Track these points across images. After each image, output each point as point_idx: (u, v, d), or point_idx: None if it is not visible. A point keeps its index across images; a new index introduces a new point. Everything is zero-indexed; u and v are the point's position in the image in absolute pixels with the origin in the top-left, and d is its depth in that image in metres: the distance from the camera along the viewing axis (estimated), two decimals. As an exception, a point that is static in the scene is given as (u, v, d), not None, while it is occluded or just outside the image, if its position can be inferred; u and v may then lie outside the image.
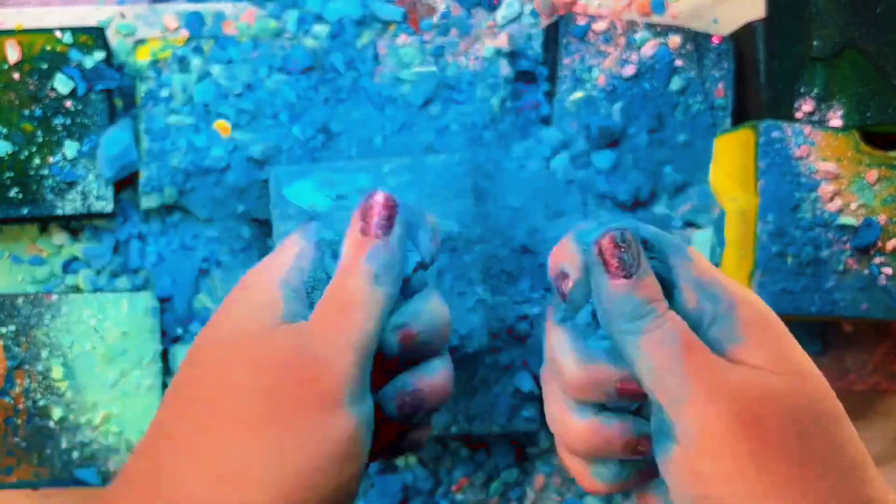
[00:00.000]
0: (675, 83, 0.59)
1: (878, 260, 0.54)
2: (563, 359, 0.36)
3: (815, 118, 0.56)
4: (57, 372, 0.52)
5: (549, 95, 0.59)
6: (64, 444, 0.52)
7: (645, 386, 0.34)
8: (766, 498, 0.31)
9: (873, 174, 0.54)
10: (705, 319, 0.36)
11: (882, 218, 0.54)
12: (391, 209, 0.38)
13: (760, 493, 0.31)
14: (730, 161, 0.57)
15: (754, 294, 0.36)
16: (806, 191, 0.54)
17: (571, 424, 0.37)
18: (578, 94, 0.58)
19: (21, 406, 0.52)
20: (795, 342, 0.35)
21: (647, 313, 0.35)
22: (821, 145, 0.54)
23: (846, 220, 0.54)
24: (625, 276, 0.35)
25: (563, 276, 0.37)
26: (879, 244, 0.54)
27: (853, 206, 0.54)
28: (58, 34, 0.54)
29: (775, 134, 0.54)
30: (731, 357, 0.34)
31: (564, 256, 0.38)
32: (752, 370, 0.34)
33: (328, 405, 0.33)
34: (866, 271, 0.54)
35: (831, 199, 0.54)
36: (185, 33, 0.58)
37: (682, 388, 0.33)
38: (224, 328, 0.35)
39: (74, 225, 0.56)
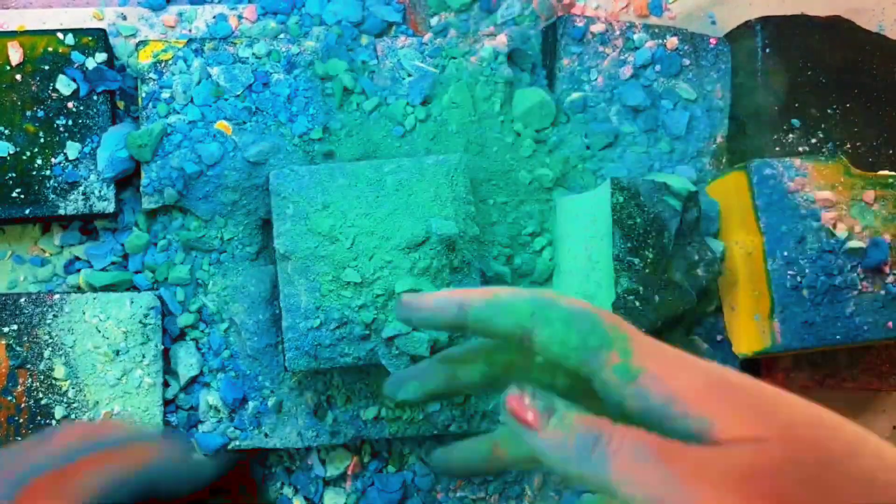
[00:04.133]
0: (674, 84, 0.59)
1: (890, 279, 0.54)
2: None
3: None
4: (59, 371, 0.52)
5: (548, 96, 0.59)
6: (66, 443, 0.52)
7: None
8: None
9: (870, 195, 0.55)
10: (652, 416, 0.32)
11: (887, 237, 0.54)
12: None
13: None
14: (725, 206, 0.57)
15: (682, 357, 0.33)
16: (808, 221, 0.54)
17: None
18: (576, 95, 0.58)
19: (23, 405, 0.52)
20: (760, 384, 0.32)
21: (597, 441, 0.31)
22: (813, 175, 0.55)
23: (854, 243, 0.54)
24: (549, 418, 0.32)
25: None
26: (890, 261, 0.54)
27: (857, 228, 0.54)
28: (60, 36, 0.54)
29: (767, 171, 0.54)
30: (708, 441, 0.31)
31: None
32: (736, 449, 0.30)
33: None
34: (883, 291, 0.54)
35: (835, 226, 0.54)
36: (186, 34, 0.58)
37: (685, 495, 0.30)
38: None
39: (76, 225, 0.56)
